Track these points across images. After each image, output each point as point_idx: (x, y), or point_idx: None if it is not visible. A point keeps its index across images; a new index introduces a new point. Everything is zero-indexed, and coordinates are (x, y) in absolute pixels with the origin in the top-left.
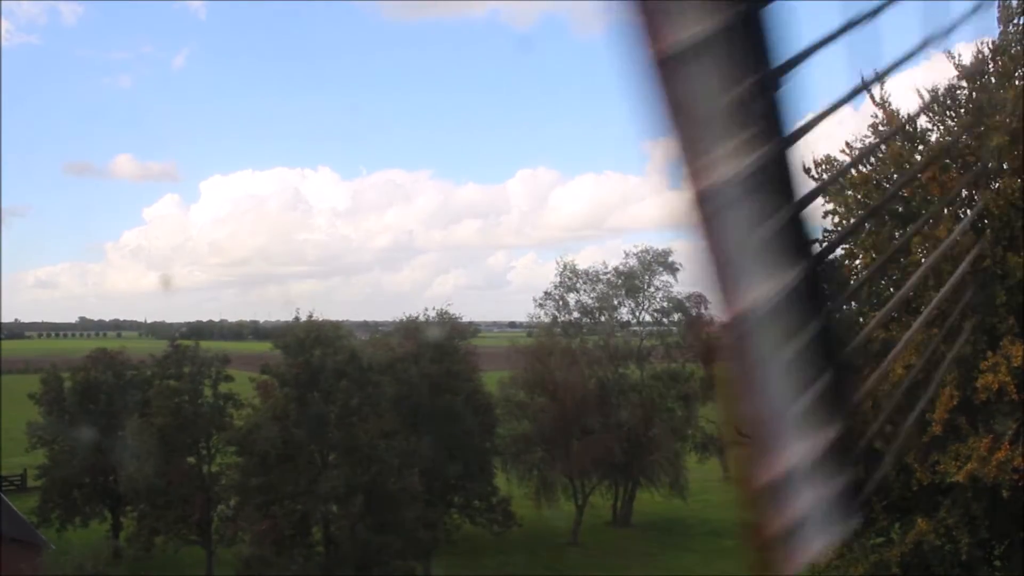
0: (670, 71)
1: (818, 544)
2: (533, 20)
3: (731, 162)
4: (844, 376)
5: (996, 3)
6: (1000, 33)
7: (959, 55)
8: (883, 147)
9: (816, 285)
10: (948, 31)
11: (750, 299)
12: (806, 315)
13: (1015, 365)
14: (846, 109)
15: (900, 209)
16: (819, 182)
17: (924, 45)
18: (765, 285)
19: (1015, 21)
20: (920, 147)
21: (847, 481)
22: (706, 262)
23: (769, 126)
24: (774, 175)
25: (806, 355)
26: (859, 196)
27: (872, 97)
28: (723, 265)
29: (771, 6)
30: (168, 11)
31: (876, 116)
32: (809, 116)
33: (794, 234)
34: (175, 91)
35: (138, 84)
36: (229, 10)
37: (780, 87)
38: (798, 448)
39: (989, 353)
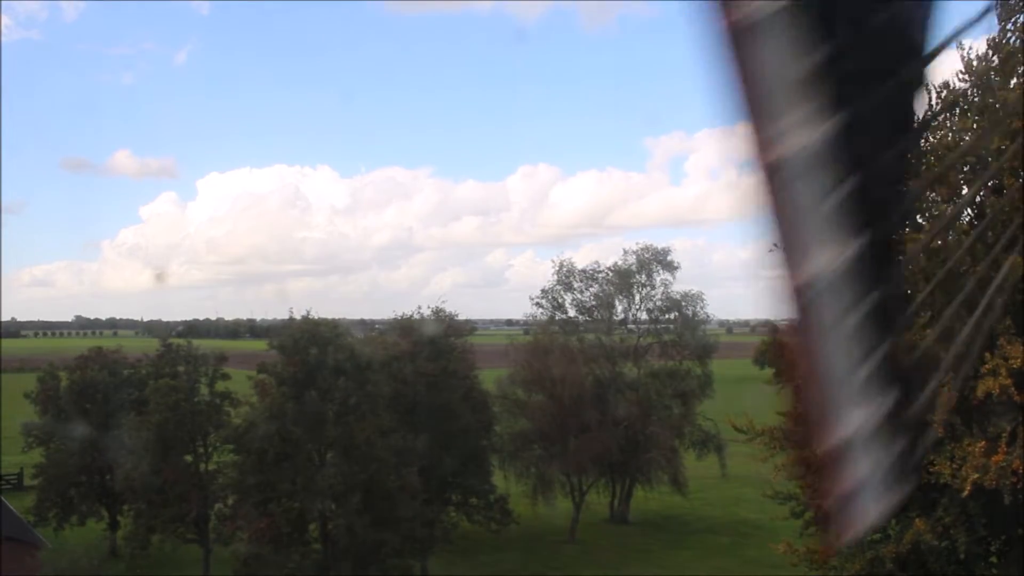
0: (744, 42)
1: (874, 511)
2: (537, 15)
3: (802, 133)
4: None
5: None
6: (999, 30)
7: (970, 48)
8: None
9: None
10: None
11: (816, 268)
12: (870, 285)
13: (1014, 367)
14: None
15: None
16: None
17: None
18: (831, 254)
19: (1016, 19)
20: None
21: (900, 449)
22: (774, 233)
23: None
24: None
25: (868, 325)
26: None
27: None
28: (790, 235)
29: None
30: (171, 8)
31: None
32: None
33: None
34: (176, 87)
35: (139, 80)
36: (232, 7)
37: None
38: (857, 417)
39: (987, 355)
